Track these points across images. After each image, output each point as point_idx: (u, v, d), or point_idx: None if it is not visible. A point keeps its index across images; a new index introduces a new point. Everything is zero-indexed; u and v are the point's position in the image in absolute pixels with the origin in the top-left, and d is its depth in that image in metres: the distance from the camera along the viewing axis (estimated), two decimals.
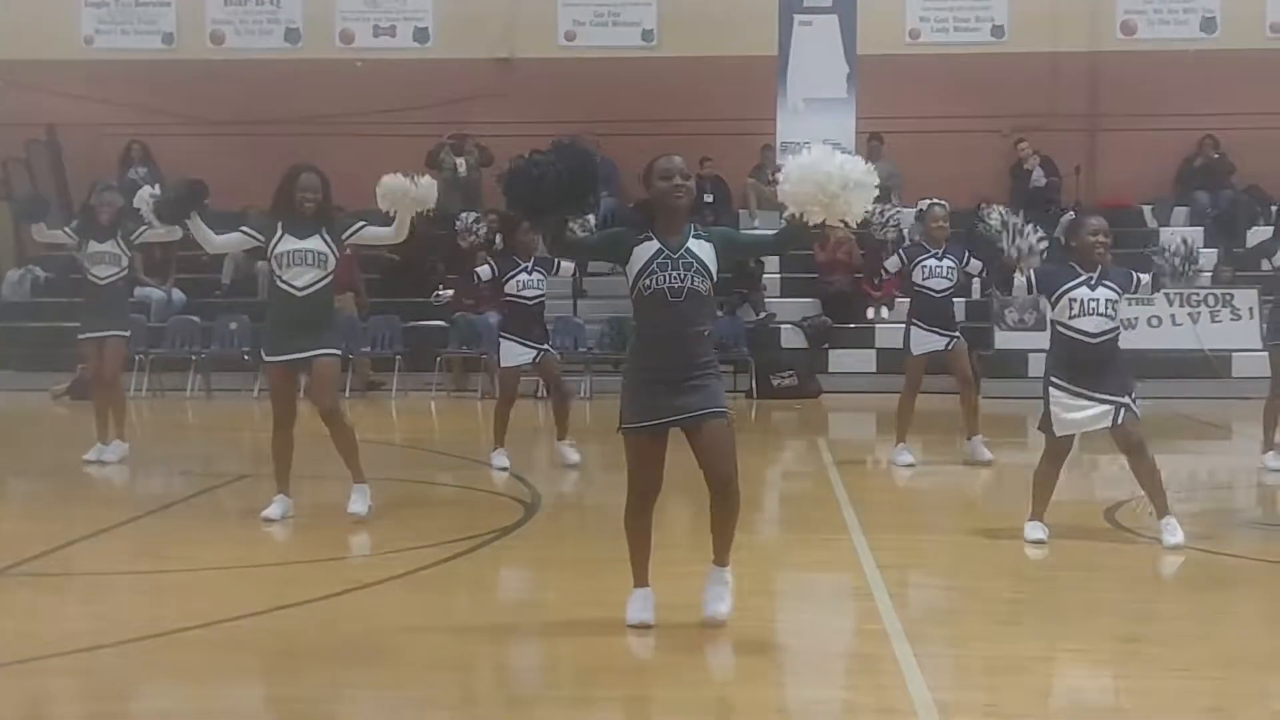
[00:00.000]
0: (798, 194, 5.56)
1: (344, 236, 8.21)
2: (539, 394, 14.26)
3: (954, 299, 11.03)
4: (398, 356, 17.25)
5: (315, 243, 8.07)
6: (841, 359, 17.61)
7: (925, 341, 10.76)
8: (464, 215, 10.96)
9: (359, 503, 8.27)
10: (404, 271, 18.21)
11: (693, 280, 5.68)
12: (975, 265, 10.87)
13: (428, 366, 17.15)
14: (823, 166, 5.51)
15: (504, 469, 10.27)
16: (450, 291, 18.08)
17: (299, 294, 8.07)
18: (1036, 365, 16.43)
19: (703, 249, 5.75)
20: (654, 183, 5.75)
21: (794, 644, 5.79)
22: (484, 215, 19.10)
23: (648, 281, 5.67)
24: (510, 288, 10.28)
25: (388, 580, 6.79)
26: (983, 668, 5.32)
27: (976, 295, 16.62)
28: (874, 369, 17.40)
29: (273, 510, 8.22)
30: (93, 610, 6.32)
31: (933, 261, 10.64)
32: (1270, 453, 10.72)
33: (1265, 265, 10.94)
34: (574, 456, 10.60)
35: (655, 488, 5.86)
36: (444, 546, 7.50)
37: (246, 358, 16.26)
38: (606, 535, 8.49)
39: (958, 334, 10.85)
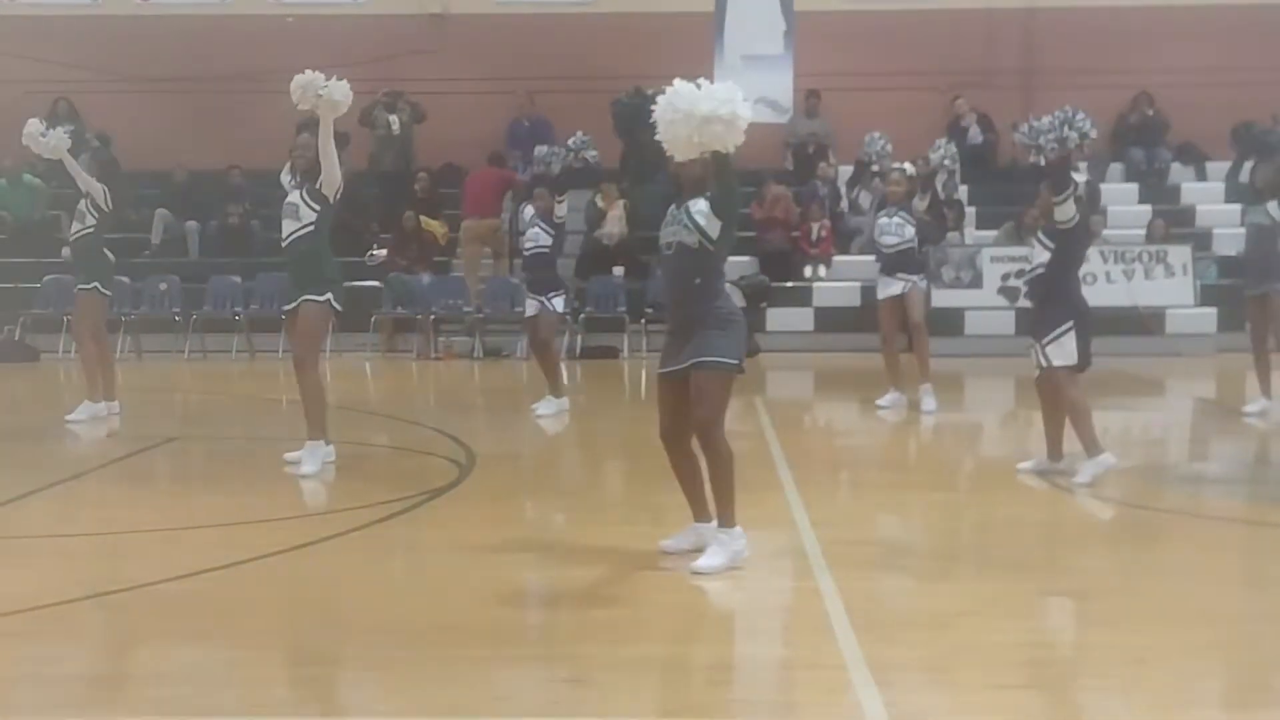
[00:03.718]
0: (667, 130, 5.74)
1: (318, 185, 8.53)
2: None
3: (914, 253, 11.45)
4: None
5: (295, 196, 8.58)
6: (779, 318, 17.61)
7: (884, 287, 11.45)
8: (576, 137, 10.82)
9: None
10: (337, 231, 17.88)
11: (679, 235, 5.97)
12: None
13: (362, 327, 17.02)
14: (683, 101, 5.66)
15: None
16: (384, 251, 18.02)
17: (282, 244, 8.71)
18: (974, 323, 16.77)
19: (698, 205, 5.97)
20: None
21: (728, 602, 5.80)
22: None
23: (660, 236, 6.08)
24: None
25: (319, 542, 6.71)
26: (912, 623, 5.34)
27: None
28: (812, 327, 17.46)
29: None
30: (20, 574, 6.20)
31: (884, 219, 11.40)
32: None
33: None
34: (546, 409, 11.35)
35: (666, 428, 6.18)
36: (377, 508, 7.45)
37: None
38: (540, 494, 8.49)
39: (914, 279, 11.41)
